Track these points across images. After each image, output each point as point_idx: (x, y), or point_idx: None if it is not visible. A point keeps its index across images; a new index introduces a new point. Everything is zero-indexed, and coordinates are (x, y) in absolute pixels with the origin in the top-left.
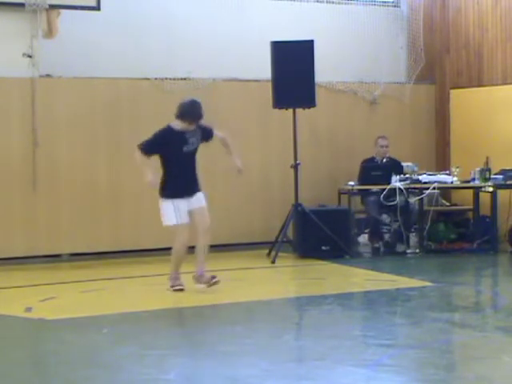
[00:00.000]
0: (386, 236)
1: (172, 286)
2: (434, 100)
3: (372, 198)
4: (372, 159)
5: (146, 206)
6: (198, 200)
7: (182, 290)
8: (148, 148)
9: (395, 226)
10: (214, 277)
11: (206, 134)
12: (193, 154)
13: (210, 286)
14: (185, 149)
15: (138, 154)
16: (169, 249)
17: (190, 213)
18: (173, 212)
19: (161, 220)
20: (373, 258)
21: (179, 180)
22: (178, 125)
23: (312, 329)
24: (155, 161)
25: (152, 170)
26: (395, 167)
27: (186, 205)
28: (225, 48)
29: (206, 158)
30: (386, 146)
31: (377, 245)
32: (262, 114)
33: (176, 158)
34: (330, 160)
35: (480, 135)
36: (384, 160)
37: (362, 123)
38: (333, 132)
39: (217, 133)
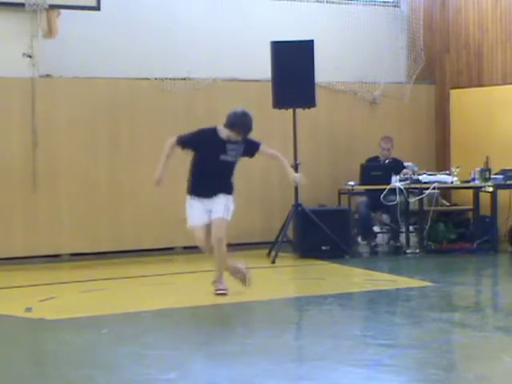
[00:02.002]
0: (383, 236)
1: (215, 290)
2: (434, 100)
3: (362, 198)
4: (376, 158)
5: (146, 206)
6: (216, 210)
7: (223, 294)
8: (185, 140)
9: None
10: (221, 289)
11: (251, 150)
12: (230, 164)
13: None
14: (222, 157)
15: (170, 141)
16: (168, 249)
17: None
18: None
19: (160, 220)
20: (373, 258)
21: (203, 181)
22: (223, 131)
23: (312, 329)
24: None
25: (167, 169)
26: (397, 168)
27: (203, 206)
28: (225, 48)
29: None
30: (388, 150)
31: (373, 243)
32: (262, 113)
33: (209, 162)
34: (330, 160)
35: (480, 135)
36: (387, 161)
37: (362, 123)
38: (333, 132)
39: (265, 149)
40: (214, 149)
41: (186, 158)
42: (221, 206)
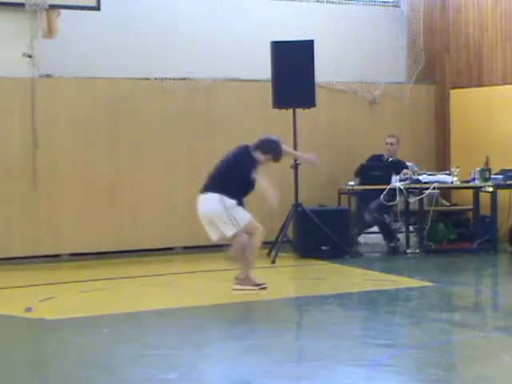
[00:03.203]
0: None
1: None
2: (434, 100)
3: (374, 205)
4: (380, 156)
5: (146, 206)
6: None
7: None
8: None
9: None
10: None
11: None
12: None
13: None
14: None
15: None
16: (168, 249)
17: None
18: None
19: (160, 220)
20: (373, 258)
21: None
22: (257, 155)
23: (312, 329)
24: None
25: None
26: (397, 168)
27: None
28: (225, 48)
29: (206, 158)
30: (392, 144)
31: (393, 244)
32: (262, 113)
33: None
34: (330, 160)
35: (480, 135)
36: (390, 159)
37: (362, 123)
38: (333, 132)
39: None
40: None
41: (186, 158)
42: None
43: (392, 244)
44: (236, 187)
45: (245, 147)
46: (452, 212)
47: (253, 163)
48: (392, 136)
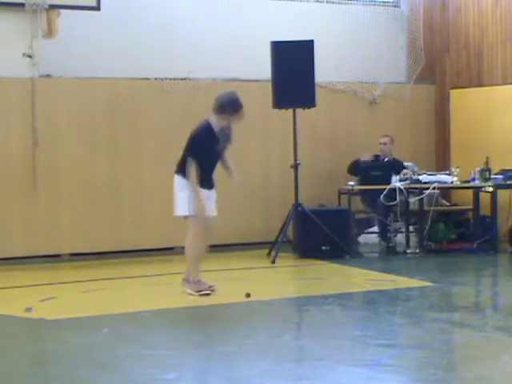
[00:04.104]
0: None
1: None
2: (434, 100)
3: (379, 201)
4: (376, 156)
5: (146, 206)
6: (214, 207)
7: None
8: (198, 153)
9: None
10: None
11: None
12: (220, 154)
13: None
14: (217, 148)
15: (194, 168)
16: (168, 249)
17: None
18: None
19: (161, 220)
20: (373, 258)
21: (209, 175)
22: (216, 120)
23: (312, 329)
24: None
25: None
26: (396, 168)
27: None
28: (225, 48)
29: None
30: (385, 144)
31: (391, 244)
32: (262, 113)
33: (212, 156)
34: (329, 160)
35: (480, 135)
36: (386, 159)
37: (362, 123)
38: (333, 132)
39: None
40: (213, 143)
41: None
42: (215, 203)
43: (386, 243)
44: (204, 169)
45: (203, 121)
46: (452, 212)
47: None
48: (386, 136)
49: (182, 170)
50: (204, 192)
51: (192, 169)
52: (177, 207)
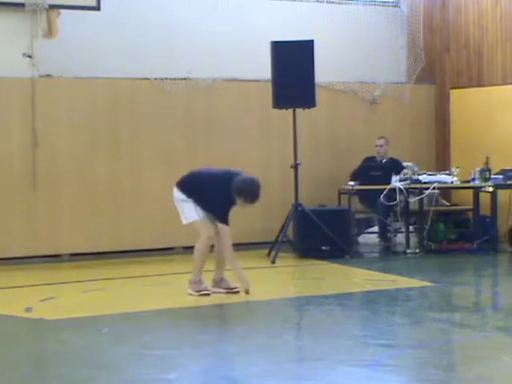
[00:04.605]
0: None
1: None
2: (434, 100)
3: (379, 201)
4: (373, 158)
5: (146, 206)
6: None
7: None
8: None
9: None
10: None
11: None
12: None
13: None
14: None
15: (226, 229)
16: (168, 249)
17: None
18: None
19: (161, 220)
20: (373, 258)
21: None
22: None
23: (312, 329)
24: None
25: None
26: (395, 167)
27: None
28: (225, 48)
29: (207, 157)
30: (381, 146)
31: (387, 244)
32: (262, 114)
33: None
34: (329, 160)
35: (480, 135)
36: (384, 160)
37: (362, 123)
38: (333, 132)
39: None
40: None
41: (186, 158)
42: None
43: (385, 243)
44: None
45: (228, 178)
46: (452, 212)
47: (227, 200)
48: (381, 138)
49: (184, 188)
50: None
51: (227, 239)
52: (184, 216)
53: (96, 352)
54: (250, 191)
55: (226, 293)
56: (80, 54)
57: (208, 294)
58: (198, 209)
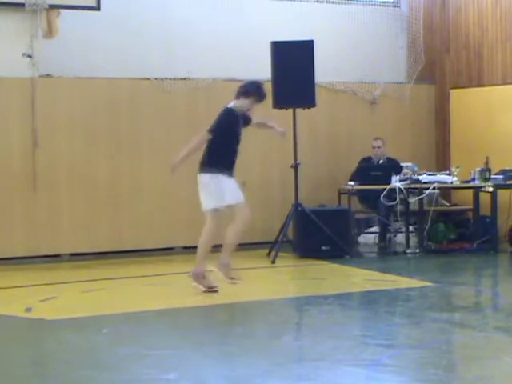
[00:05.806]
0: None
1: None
2: (434, 100)
3: (381, 202)
4: (369, 159)
5: (146, 206)
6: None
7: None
8: (215, 128)
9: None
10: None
11: (246, 120)
12: (240, 139)
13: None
14: (239, 133)
15: (202, 134)
16: (168, 249)
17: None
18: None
19: (161, 220)
20: (373, 258)
21: (230, 159)
22: (238, 104)
23: (312, 329)
24: None
25: (186, 159)
26: (394, 167)
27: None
28: (225, 48)
29: None
30: (378, 147)
31: (382, 244)
32: (262, 114)
33: (233, 141)
34: (329, 160)
35: (480, 135)
36: (381, 161)
37: (362, 123)
38: (333, 132)
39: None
40: (235, 123)
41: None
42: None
43: (384, 244)
44: (222, 153)
45: (224, 109)
46: (452, 212)
47: (234, 120)
48: (378, 139)
49: (205, 166)
50: (223, 179)
51: (199, 139)
52: (203, 203)
53: (96, 352)
54: (257, 87)
55: (205, 291)
56: (80, 54)
57: (216, 291)
58: (223, 182)
